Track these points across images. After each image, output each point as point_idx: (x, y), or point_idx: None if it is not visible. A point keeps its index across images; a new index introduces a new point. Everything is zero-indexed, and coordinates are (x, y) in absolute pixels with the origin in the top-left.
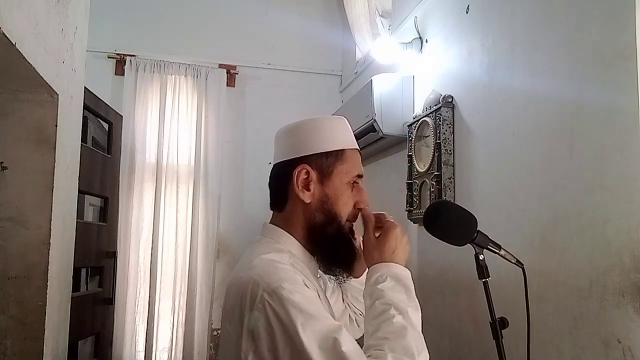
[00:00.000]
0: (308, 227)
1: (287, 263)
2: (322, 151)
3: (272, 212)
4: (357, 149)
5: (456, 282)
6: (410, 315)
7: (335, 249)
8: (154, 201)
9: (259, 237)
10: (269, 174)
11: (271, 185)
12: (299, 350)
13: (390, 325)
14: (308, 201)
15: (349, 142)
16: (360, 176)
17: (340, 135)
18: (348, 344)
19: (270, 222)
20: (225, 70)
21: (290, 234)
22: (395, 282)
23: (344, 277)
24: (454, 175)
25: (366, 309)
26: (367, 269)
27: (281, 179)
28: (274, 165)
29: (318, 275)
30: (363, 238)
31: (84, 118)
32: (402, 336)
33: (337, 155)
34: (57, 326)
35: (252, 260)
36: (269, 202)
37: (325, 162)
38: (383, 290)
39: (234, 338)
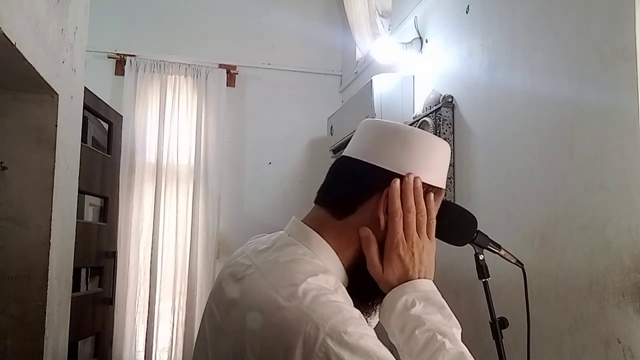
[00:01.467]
0: (361, 254)
1: (338, 292)
2: (426, 182)
3: (313, 207)
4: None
5: (456, 282)
6: (457, 337)
7: (372, 286)
8: (154, 201)
9: (289, 239)
10: (340, 167)
11: (342, 182)
12: None
13: (446, 356)
14: (383, 227)
15: (445, 180)
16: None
17: (445, 170)
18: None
19: (306, 223)
20: (225, 70)
21: (336, 251)
22: (425, 302)
23: (373, 313)
24: (454, 175)
25: (402, 341)
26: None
27: (365, 183)
28: (355, 161)
29: None
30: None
31: (84, 118)
32: None
33: (437, 193)
34: (57, 326)
35: (294, 280)
36: (271, 202)
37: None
38: (420, 317)
39: None
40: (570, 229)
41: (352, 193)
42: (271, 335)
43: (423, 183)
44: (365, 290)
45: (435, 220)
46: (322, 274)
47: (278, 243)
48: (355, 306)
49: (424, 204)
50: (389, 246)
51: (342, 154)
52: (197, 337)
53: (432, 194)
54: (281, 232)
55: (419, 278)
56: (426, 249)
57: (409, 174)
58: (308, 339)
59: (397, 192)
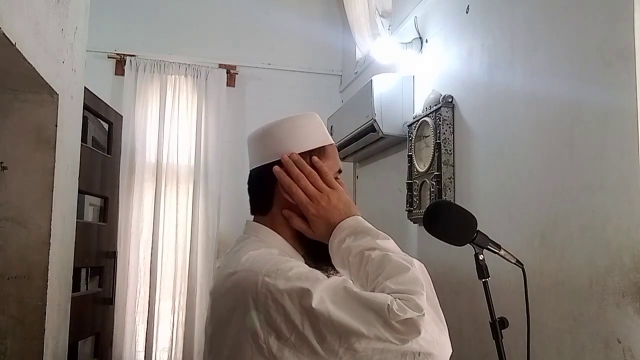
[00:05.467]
0: (298, 231)
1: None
2: (303, 151)
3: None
4: (334, 144)
5: (456, 282)
6: (382, 245)
7: (324, 246)
8: (154, 201)
9: (243, 236)
10: (248, 181)
11: (252, 191)
12: (314, 313)
13: (371, 264)
14: (293, 201)
15: (326, 138)
16: (340, 171)
17: (318, 132)
18: (358, 287)
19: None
20: (225, 70)
21: (277, 232)
22: (354, 235)
23: (332, 274)
24: (454, 175)
25: (347, 275)
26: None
27: (263, 183)
28: (252, 171)
29: None
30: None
31: (84, 118)
32: (388, 261)
33: (319, 153)
34: (57, 326)
35: (240, 257)
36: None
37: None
38: (349, 247)
39: (244, 336)
40: (570, 229)
41: (260, 193)
42: (229, 298)
43: (301, 153)
44: (321, 255)
45: (327, 172)
46: (265, 249)
47: (237, 241)
48: (316, 268)
49: (308, 166)
50: (304, 212)
51: None
52: None
53: (314, 156)
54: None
55: (340, 221)
56: (333, 196)
57: (283, 155)
58: (251, 285)
59: (281, 173)
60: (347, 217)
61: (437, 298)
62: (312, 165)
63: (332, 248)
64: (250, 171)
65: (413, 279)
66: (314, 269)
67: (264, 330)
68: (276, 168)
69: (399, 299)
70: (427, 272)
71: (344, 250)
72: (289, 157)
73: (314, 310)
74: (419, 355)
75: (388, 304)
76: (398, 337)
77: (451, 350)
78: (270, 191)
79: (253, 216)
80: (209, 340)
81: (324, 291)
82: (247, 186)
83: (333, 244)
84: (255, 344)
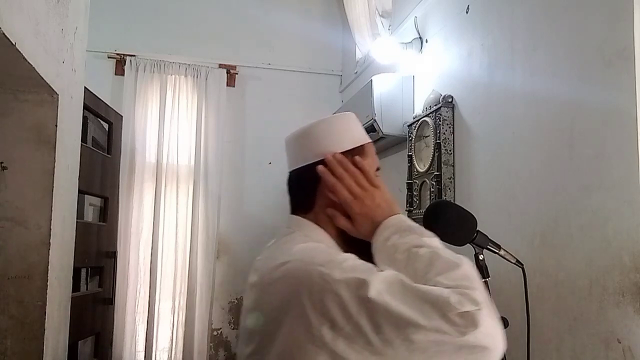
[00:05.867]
0: (341, 229)
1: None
2: (345, 150)
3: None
4: (371, 142)
5: None
6: (429, 242)
7: (365, 244)
8: (154, 201)
9: (287, 230)
10: (288, 182)
11: (293, 190)
12: (372, 304)
13: (420, 260)
14: (338, 200)
15: (364, 136)
16: (378, 169)
17: (356, 131)
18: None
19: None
20: (225, 70)
21: (323, 229)
22: (399, 233)
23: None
24: (454, 175)
25: (393, 270)
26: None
27: (305, 183)
28: (292, 172)
29: None
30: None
31: (84, 118)
32: (438, 258)
33: (360, 151)
34: (57, 326)
35: (289, 249)
36: (271, 202)
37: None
38: (395, 244)
39: (296, 326)
40: (570, 229)
41: (303, 193)
42: (278, 289)
43: (341, 153)
44: (363, 253)
45: (369, 170)
46: (312, 243)
47: (278, 235)
48: None
49: (351, 166)
50: (348, 210)
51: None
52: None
53: (355, 156)
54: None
55: (384, 219)
56: (376, 195)
57: (327, 154)
58: (306, 275)
59: (325, 172)
60: (390, 215)
61: (489, 294)
62: (355, 165)
63: (377, 246)
64: (290, 172)
65: (465, 274)
66: (366, 262)
67: (317, 320)
68: (320, 168)
69: (456, 293)
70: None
71: (390, 248)
72: (332, 157)
73: (371, 301)
74: (475, 348)
75: (446, 297)
76: (457, 329)
77: (505, 346)
78: (313, 190)
79: (290, 216)
80: (252, 331)
81: (380, 282)
82: (287, 187)
83: (378, 241)
84: (309, 333)
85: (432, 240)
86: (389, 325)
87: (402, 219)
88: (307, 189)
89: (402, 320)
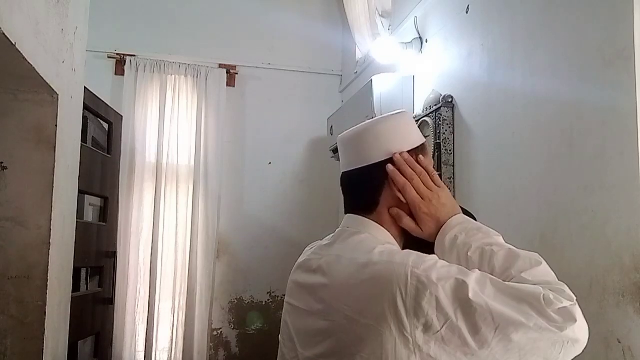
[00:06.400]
0: (404, 230)
1: None
2: (410, 149)
3: (345, 217)
4: (426, 141)
5: None
6: (499, 241)
7: (427, 245)
8: (154, 201)
9: (353, 230)
10: (347, 181)
11: (354, 190)
12: (471, 304)
13: (497, 258)
14: (404, 200)
15: (421, 135)
16: (434, 167)
17: (416, 129)
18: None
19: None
20: (225, 70)
21: (386, 230)
22: (466, 232)
23: None
24: (454, 175)
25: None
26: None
27: (371, 183)
28: (354, 171)
29: None
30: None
31: (84, 118)
32: (516, 255)
33: (422, 150)
34: (57, 326)
35: (370, 250)
36: (271, 202)
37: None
38: (466, 242)
39: (386, 327)
40: (570, 229)
41: (366, 193)
42: (365, 291)
43: (407, 152)
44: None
45: (433, 170)
46: (387, 244)
47: (343, 235)
48: None
49: (418, 166)
50: (414, 210)
51: (342, 172)
52: (281, 336)
53: (419, 155)
54: (338, 229)
55: (449, 219)
56: (441, 195)
57: (394, 154)
58: (400, 277)
59: (395, 172)
60: (454, 214)
61: None
62: (419, 164)
63: (445, 245)
64: (350, 171)
65: (547, 271)
66: (452, 264)
67: (411, 321)
68: (390, 167)
69: (547, 289)
70: None
71: (461, 246)
72: (400, 156)
73: (470, 302)
74: (568, 343)
75: (542, 294)
76: (556, 325)
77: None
78: (378, 190)
79: (348, 215)
80: (325, 332)
81: (475, 283)
82: (343, 187)
83: (445, 240)
84: (401, 335)
85: (501, 239)
86: (487, 326)
87: (467, 218)
88: (372, 189)
89: (503, 320)
